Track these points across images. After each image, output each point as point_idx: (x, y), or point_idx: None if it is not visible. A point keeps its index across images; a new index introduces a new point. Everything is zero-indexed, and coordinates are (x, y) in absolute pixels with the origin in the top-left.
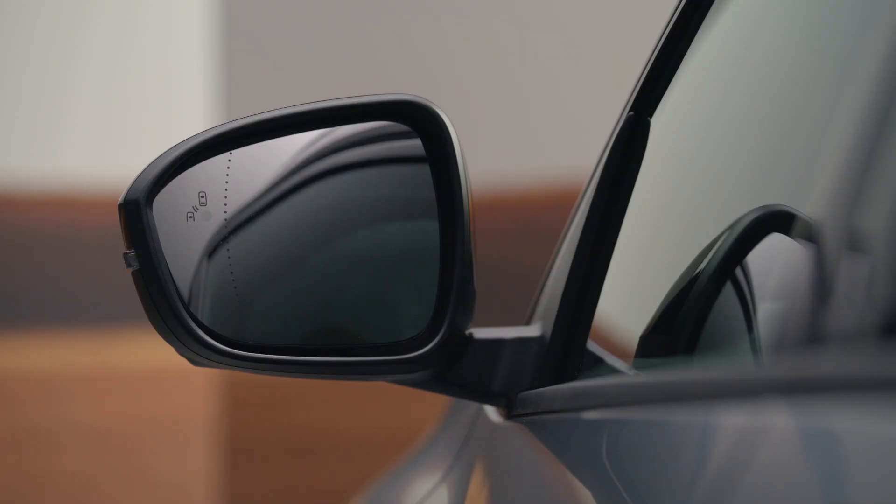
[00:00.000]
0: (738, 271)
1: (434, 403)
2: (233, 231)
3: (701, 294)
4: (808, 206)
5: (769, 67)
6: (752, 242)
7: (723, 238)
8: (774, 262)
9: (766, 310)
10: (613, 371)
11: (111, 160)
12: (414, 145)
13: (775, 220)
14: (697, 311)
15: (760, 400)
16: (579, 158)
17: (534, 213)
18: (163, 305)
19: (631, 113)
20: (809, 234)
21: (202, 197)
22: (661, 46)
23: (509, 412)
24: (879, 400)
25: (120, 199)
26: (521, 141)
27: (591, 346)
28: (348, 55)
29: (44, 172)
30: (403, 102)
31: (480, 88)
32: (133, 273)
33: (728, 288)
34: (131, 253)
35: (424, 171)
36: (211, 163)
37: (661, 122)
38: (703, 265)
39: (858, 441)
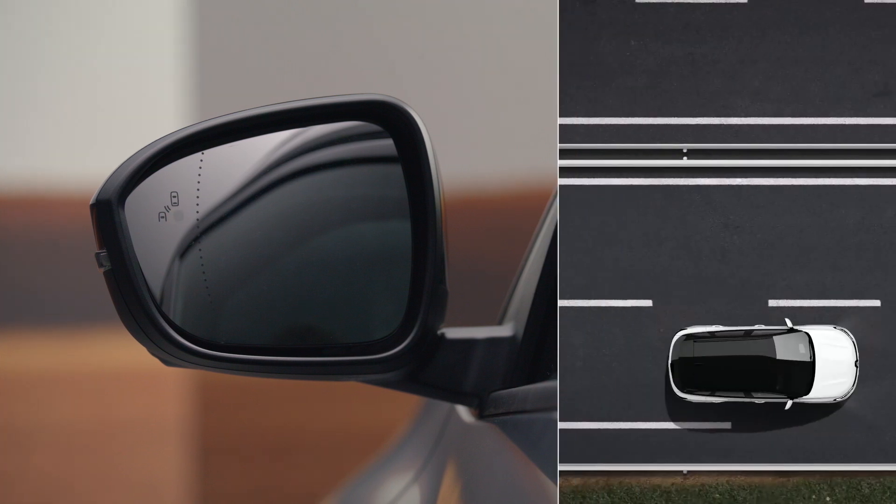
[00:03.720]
0: None
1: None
2: (205, 231)
3: None
4: None
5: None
6: None
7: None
8: None
9: None
10: None
11: (83, 160)
12: (386, 145)
13: None
14: None
15: None
16: (550, 159)
17: (505, 213)
18: (135, 305)
19: None
20: None
21: (174, 197)
22: None
23: (481, 412)
24: None
25: (92, 199)
26: (493, 141)
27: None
28: (321, 55)
29: (14, 172)
30: (375, 102)
31: (452, 89)
32: (105, 273)
33: None
34: (103, 253)
35: (396, 171)
36: (183, 163)
37: None
38: None
39: None
